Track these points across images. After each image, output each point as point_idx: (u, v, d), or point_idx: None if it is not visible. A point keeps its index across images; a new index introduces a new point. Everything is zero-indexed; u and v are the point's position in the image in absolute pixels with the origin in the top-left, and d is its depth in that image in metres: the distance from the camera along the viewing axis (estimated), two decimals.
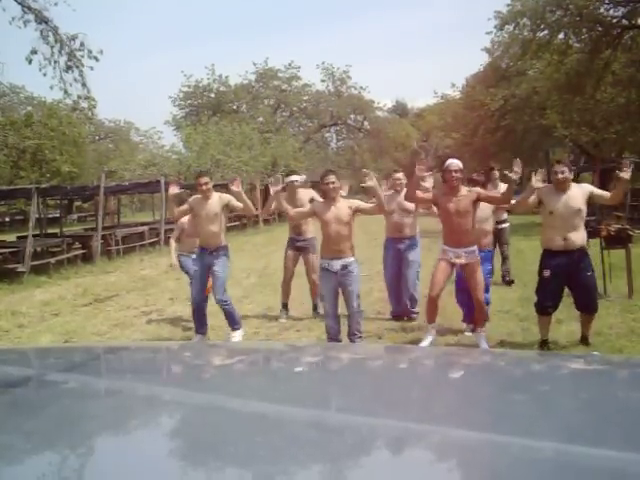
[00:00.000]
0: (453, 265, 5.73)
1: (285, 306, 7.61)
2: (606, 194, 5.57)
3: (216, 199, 6.39)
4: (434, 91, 77.37)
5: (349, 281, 5.55)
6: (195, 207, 6.40)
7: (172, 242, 7.91)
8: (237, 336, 6.33)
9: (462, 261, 5.66)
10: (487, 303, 6.41)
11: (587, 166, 26.21)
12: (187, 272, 7.68)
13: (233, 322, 6.46)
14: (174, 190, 6.42)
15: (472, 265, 5.66)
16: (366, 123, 47.57)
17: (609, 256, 7.38)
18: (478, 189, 5.80)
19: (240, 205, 6.35)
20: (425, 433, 0.90)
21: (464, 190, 5.68)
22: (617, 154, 24.69)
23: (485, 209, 6.27)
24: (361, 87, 44.90)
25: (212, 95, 42.97)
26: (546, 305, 5.63)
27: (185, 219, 7.81)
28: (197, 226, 6.59)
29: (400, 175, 7.15)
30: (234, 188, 6.17)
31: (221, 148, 28.59)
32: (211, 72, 42.24)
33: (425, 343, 5.66)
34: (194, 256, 7.60)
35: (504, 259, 8.84)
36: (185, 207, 6.53)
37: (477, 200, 5.65)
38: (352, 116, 47.06)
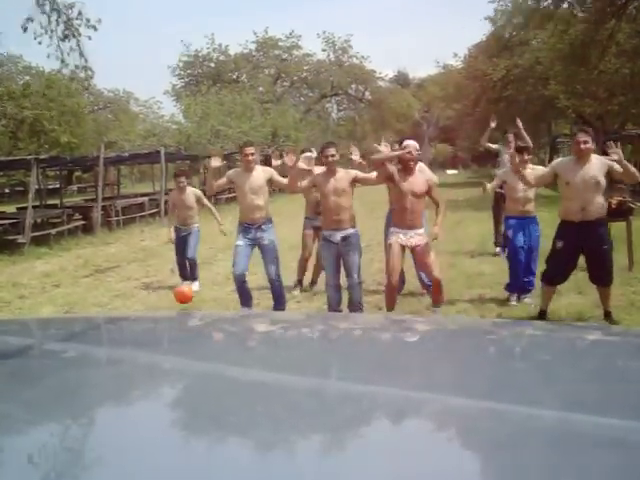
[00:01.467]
0: (404, 247, 5.65)
1: (300, 282, 7.54)
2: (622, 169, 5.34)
3: (259, 171, 6.08)
4: (436, 61, 76.60)
5: (350, 252, 5.56)
6: (237, 180, 6.08)
7: (170, 218, 8.12)
8: None
9: (413, 243, 5.61)
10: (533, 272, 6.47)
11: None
12: (176, 244, 7.98)
13: (280, 302, 6.24)
14: (216, 163, 6.09)
15: (422, 247, 5.60)
16: (367, 93, 47.20)
17: (610, 229, 7.36)
18: (428, 173, 5.90)
19: (283, 181, 6.01)
20: (426, 401, 0.90)
21: (417, 172, 5.65)
22: (620, 126, 24.49)
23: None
24: (362, 57, 44.51)
25: (212, 65, 42.58)
26: (555, 276, 5.59)
27: (173, 192, 7.98)
28: (239, 199, 6.27)
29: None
30: (288, 162, 5.71)
31: (221, 118, 28.42)
32: (211, 41, 41.81)
33: None
34: (186, 228, 7.84)
35: (499, 223, 8.61)
36: (223, 180, 6.23)
37: (428, 188, 5.60)
38: (353, 86, 46.71)
